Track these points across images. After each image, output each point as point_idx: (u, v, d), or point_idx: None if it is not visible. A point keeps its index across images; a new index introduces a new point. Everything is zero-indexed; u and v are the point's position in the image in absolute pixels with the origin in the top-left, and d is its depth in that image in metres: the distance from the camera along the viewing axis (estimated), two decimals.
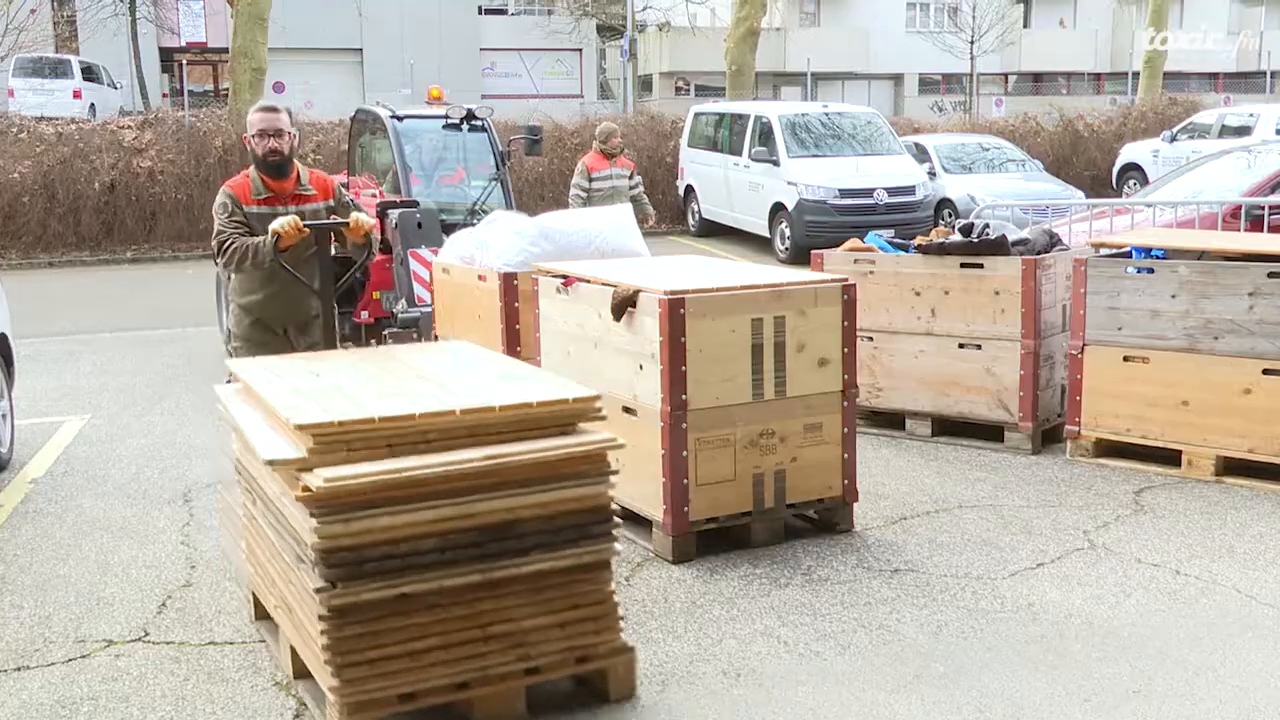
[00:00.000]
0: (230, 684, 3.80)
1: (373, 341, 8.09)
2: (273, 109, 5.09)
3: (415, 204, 8.31)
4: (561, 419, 3.35)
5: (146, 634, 4.19)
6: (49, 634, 4.21)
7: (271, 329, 5.23)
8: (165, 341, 10.27)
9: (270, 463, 3.11)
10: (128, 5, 29.40)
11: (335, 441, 3.05)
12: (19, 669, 3.93)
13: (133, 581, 4.70)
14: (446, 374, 3.66)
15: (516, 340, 5.82)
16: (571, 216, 6.42)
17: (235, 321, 5.30)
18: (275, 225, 4.80)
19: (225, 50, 25.22)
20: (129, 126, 18.26)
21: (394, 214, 7.71)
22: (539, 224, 6.00)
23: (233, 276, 5.25)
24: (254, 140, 4.99)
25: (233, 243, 4.93)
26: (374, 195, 9.20)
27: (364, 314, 8.29)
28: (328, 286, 5.17)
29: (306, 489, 2.99)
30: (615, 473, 3.36)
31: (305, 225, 4.92)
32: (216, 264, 5.13)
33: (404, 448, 3.13)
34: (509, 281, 5.80)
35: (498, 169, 10.07)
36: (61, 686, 3.79)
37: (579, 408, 3.37)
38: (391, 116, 9.89)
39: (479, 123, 10.02)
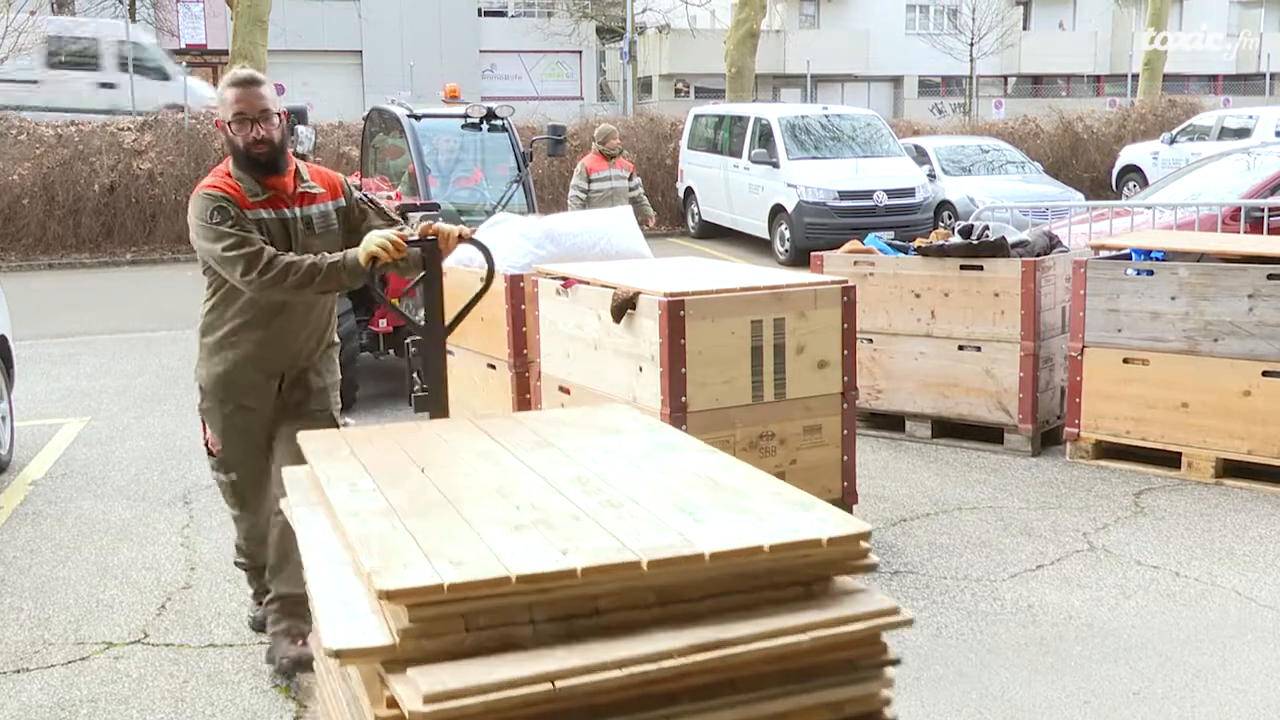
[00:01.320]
0: (230, 686, 3.80)
1: (390, 352, 7.99)
2: (251, 81, 3.66)
3: (436, 206, 8.22)
4: (808, 571, 2.02)
5: (146, 636, 4.19)
6: (48, 636, 4.21)
7: (265, 376, 3.87)
8: (165, 343, 10.26)
9: (339, 655, 1.83)
10: (127, 7, 29.40)
11: (446, 616, 1.83)
12: (18, 671, 3.92)
13: (132, 584, 4.70)
14: (611, 475, 2.34)
15: (523, 343, 5.80)
16: (576, 218, 6.43)
17: (213, 366, 3.84)
18: (373, 245, 3.52)
19: (225, 52, 25.24)
20: (129, 129, 18.27)
21: (414, 217, 7.65)
22: (544, 226, 6.02)
23: (208, 307, 3.86)
24: (232, 127, 3.64)
25: (281, 257, 3.57)
26: (389, 198, 9.13)
27: (382, 323, 7.97)
28: (437, 323, 3.74)
29: (395, 704, 1.78)
30: (895, 662, 2.03)
31: (410, 242, 3.65)
32: (246, 280, 3.58)
33: (556, 625, 1.88)
34: (515, 284, 5.78)
35: (519, 170, 9.99)
36: (61, 689, 3.79)
37: (836, 553, 2.00)
38: (409, 116, 9.80)
39: (499, 122, 9.94)
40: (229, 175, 3.71)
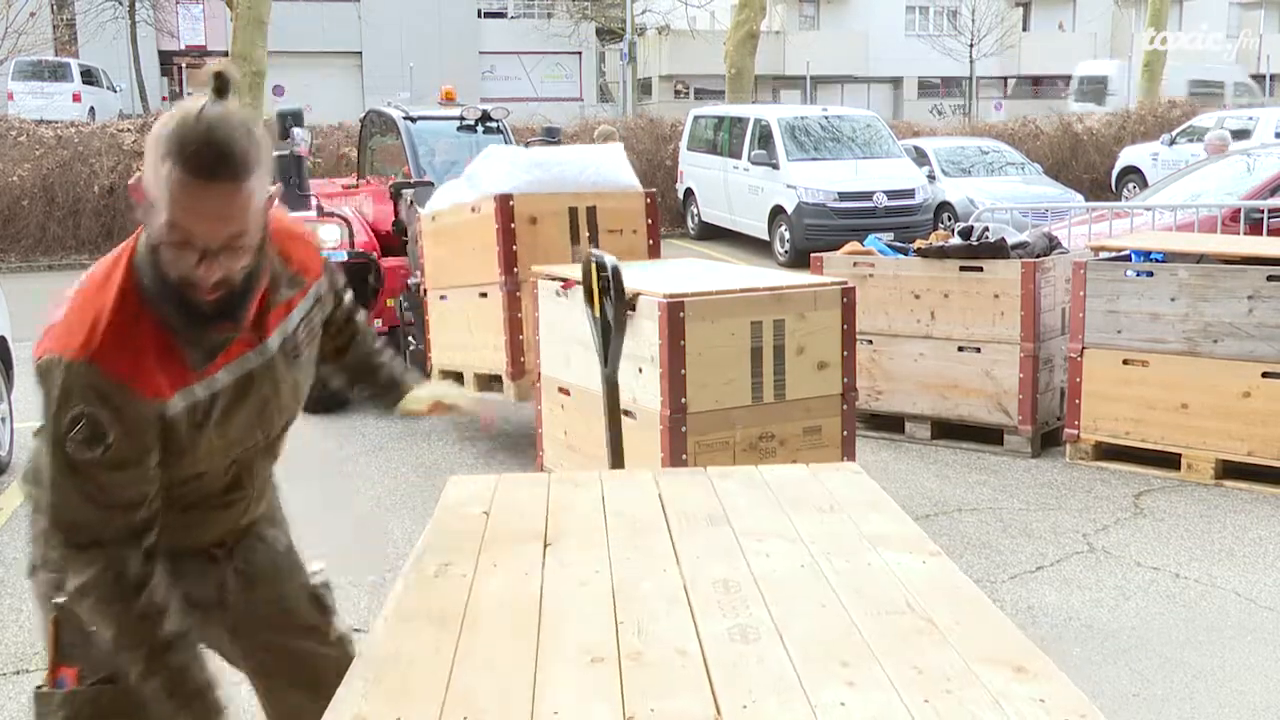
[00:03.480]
0: (229, 686, 3.78)
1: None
2: (223, 167, 1.66)
3: (431, 184, 8.25)
4: None
5: None
6: None
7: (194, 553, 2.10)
8: None
9: None
10: (127, 8, 29.42)
11: None
12: (17, 672, 3.92)
13: None
14: (773, 582, 1.87)
15: (514, 261, 5.68)
16: (566, 149, 6.42)
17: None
18: None
19: (225, 53, 25.21)
20: (128, 130, 18.27)
21: (409, 193, 7.54)
22: (532, 154, 6.01)
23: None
24: (168, 246, 1.73)
25: (138, 600, 1.82)
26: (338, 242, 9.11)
27: (377, 322, 7.87)
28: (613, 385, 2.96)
29: None
30: None
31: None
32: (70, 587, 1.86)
33: None
34: (505, 203, 5.56)
35: None
36: None
37: None
38: (405, 118, 9.87)
39: (494, 124, 10.00)
40: (136, 304, 1.78)
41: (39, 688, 2.03)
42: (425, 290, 6.86)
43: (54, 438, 1.80)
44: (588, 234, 5.84)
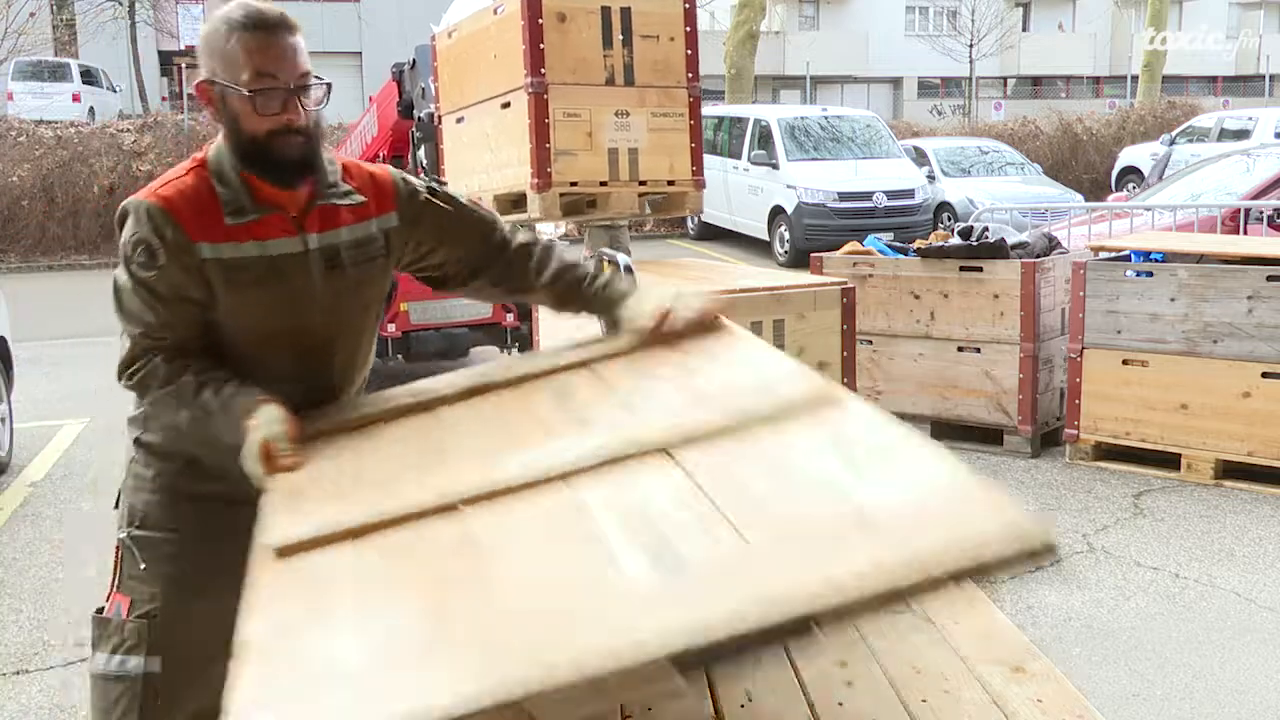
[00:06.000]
0: None
1: (399, 357, 7.91)
2: (281, 25, 2.06)
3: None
4: None
5: None
6: (48, 638, 4.20)
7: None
8: None
9: None
10: (127, 9, 29.42)
11: None
12: (17, 673, 3.92)
13: None
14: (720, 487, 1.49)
15: (541, 61, 5.15)
16: None
17: (153, 484, 2.22)
18: (255, 450, 1.92)
19: None
20: (128, 130, 18.31)
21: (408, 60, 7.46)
22: None
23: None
24: (255, 100, 2.04)
25: (176, 387, 2.08)
26: None
27: (390, 326, 7.69)
28: None
29: None
30: None
31: None
32: (119, 379, 2.16)
33: None
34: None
35: None
36: (60, 691, 3.79)
37: None
38: None
39: None
40: (202, 171, 2.12)
41: (99, 611, 2.23)
42: (440, 119, 6.34)
43: (124, 257, 2.11)
44: (620, 38, 5.39)
